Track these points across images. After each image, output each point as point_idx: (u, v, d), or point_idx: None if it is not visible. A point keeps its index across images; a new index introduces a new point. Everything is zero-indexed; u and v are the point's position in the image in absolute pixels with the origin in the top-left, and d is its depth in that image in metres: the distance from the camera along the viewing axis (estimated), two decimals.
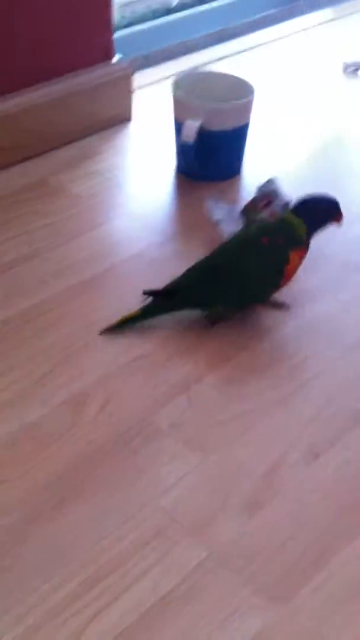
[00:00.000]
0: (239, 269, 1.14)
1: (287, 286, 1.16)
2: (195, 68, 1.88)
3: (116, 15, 1.74)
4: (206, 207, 1.35)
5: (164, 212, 1.43)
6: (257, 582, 0.85)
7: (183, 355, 1.13)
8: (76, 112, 1.56)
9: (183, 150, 1.45)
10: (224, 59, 1.98)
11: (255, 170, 1.54)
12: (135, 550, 0.87)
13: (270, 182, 1.31)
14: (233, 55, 2.01)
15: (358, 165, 1.60)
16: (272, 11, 2.17)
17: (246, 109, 1.47)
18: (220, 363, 1.12)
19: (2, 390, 1.06)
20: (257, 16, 2.14)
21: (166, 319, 1.17)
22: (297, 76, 1.93)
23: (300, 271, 1.16)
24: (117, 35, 1.69)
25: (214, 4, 2.09)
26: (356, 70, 1.98)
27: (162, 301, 1.16)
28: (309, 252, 1.15)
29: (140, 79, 1.80)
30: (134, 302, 1.16)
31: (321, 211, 1.15)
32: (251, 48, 2.05)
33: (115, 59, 1.62)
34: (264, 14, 2.16)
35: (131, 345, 1.13)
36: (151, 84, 1.83)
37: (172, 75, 1.74)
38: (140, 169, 1.56)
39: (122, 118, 1.67)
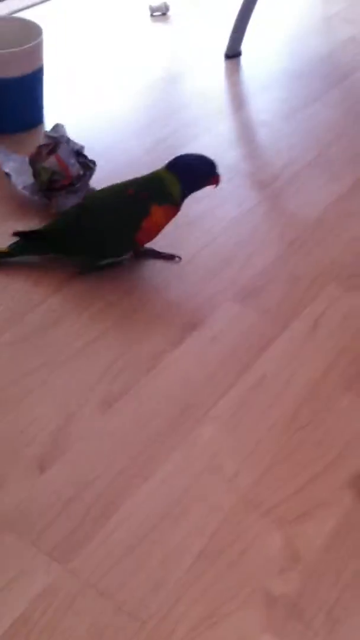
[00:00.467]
0: (96, 218, 1.10)
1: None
2: None
3: None
4: None
5: None
6: (42, 543, 0.80)
7: None
8: None
9: None
10: (32, 7, 1.89)
11: (62, 119, 1.47)
12: None
13: (56, 128, 1.24)
14: (40, 3, 1.92)
15: (166, 109, 1.56)
16: None
17: (34, 53, 1.38)
18: (16, 319, 1.06)
19: None
20: None
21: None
22: (105, 23, 1.87)
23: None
24: None
25: None
26: (162, 14, 1.93)
27: (30, 243, 1.13)
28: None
29: None
30: None
31: (197, 171, 1.10)
32: None
33: None
34: None
35: None
36: None
37: None
38: None
39: None
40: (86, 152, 1.26)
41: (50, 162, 1.17)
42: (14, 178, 1.24)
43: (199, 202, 1.21)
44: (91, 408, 0.94)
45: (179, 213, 1.12)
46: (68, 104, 1.54)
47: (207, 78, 1.68)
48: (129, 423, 0.93)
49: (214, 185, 1.12)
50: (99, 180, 1.25)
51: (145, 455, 0.89)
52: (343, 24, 1.91)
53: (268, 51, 1.78)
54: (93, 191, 1.20)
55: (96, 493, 0.85)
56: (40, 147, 1.20)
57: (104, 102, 1.57)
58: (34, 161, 1.20)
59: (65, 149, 1.19)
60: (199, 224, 1.24)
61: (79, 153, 1.22)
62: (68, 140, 1.22)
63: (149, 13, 1.93)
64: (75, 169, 1.18)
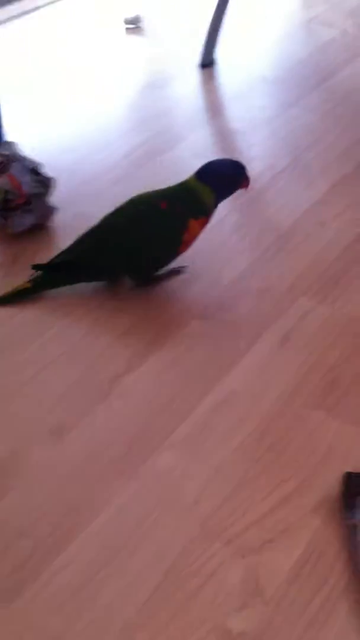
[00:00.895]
0: (133, 235, 1.04)
1: None
2: None
3: None
4: None
5: None
6: None
7: None
8: None
9: None
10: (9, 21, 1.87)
11: (28, 138, 1.44)
12: None
13: (6, 146, 1.19)
14: (18, 17, 1.90)
15: (140, 119, 1.52)
16: None
17: None
18: None
19: None
20: None
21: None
22: (80, 36, 1.85)
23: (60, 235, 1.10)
24: None
25: None
26: (136, 26, 1.90)
27: (57, 274, 1.07)
28: None
29: None
30: None
31: (229, 177, 1.06)
32: (31, 10, 1.94)
33: None
34: None
35: None
36: None
37: None
38: None
39: None
40: (60, 166, 1.22)
41: (2, 181, 1.13)
42: None
43: None
44: (42, 439, 0.89)
45: None
46: (41, 118, 1.50)
47: (182, 88, 1.64)
48: (82, 453, 0.88)
49: (245, 189, 1.09)
50: (74, 190, 1.21)
51: (99, 486, 0.84)
52: (322, 28, 1.87)
53: (245, 58, 1.74)
54: (52, 210, 1.15)
55: (45, 528, 0.80)
56: None
57: (80, 115, 1.53)
58: None
59: (18, 167, 1.14)
60: None
61: (34, 171, 1.18)
62: (23, 158, 1.18)
63: (123, 26, 1.90)
64: (29, 187, 1.14)
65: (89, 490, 0.84)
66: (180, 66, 1.71)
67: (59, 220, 1.23)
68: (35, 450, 0.88)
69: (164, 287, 1.10)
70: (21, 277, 1.09)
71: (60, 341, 1.02)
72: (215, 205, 1.06)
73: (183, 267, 1.11)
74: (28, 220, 1.13)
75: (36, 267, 1.07)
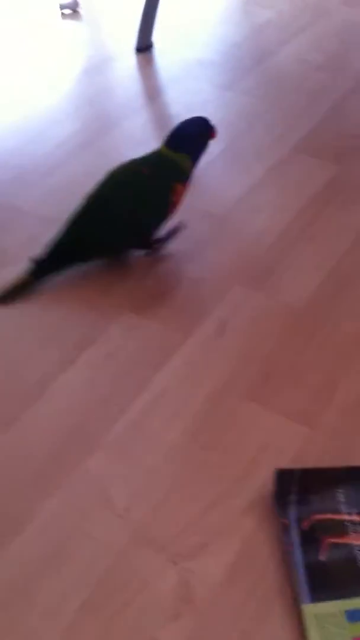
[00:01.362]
0: (129, 204, 1.04)
1: None
2: None
3: None
4: None
5: None
6: None
7: None
8: None
9: None
10: None
11: None
12: None
13: None
14: None
15: (75, 105, 1.48)
16: None
17: None
18: None
19: None
20: None
21: None
22: (14, 22, 1.79)
23: None
24: None
25: None
26: (73, 11, 1.85)
27: (56, 259, 1.05)
28: None
29: None
30: None
31: (199, 138, 1.07)
32: None
33: None
34: None
35: None
36: None
37: None
38: None
39: None
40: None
41: None
42: None
43: None
44: None
45: None
46: None
47: (118, 73, 1.60)
48: (7, 461, 0.84)
49: (214, 137, 1.09)
50: (6, 183, 1.17)
51: (24, 497, 0.80)
52: (259, 9, 1.83)
53: (182, 41, 1.70)
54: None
55: None
56: None
57: (11, 104, 1.48)
58: None
59: None
60: None
61: None
62: None
63: (59, 11, 1.85)
64: None
65: (13, 502, 0.80)
66: (117, 51, 1.67)
67: None
68: None
69: (91, 281, 1.06)
70: None
71: None
72: (193, 168, 1.07)
73: (179, 224, 1.11)
74: None
75: (36, 259, 1.04)
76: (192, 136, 1.07)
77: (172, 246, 1.12)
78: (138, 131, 1.40)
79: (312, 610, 0.69)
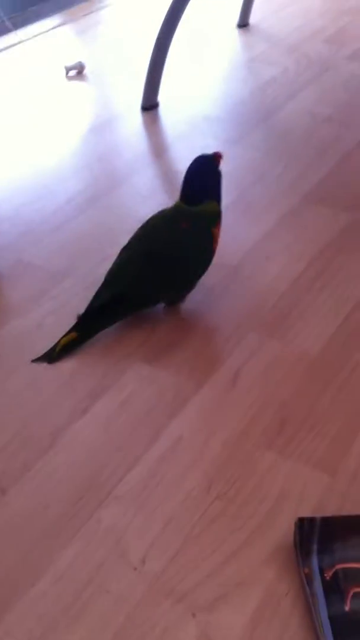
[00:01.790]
0: (175, 257, 1.05)
1: None
2: None
3: None
4: None
5: None
6: None
7: None
8: None
9: None
10: None
11: None
12: None
13: None
14: None
15: (82, 162, 1.49)
16: None
17: None
18: None
19: None
20: None
21: None
22: (21, 84, 1.83)
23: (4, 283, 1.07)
24: None
25: None
26: (78, 73, 1.89)
27: (104, 314, 1.04)
28: None
29: None
30: None
31: (211, 179, 1.07)
32: None
33: None
34: None
35: None
36: None
37: None
38: None
39: None
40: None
41: None
42: None
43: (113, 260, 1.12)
44: None
45: None
46: None
47: (124, 131, 1.62)
48: (21, 513, 0.82)
49: (221, 159, 1.09)
50: (14, 238, 1.17)
51: (38, 549, 0.78)
52: (263, 66, 1.86)
53: (187, 99, 1.73)
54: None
55: None
56: None
57: (20, 162, 1.50)
58: None
59: None
60: None
61: None
62: None
63: (64, 73, 1.89)
64: None
65: (28, 554, 0.78)
66: (123, 110, 1.70)
67: (1, 267, 1.19)
68: None
69: (107, 330, 1.05)
70: None
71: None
72: (220, 205, 1.08)
73: None
74: None
75: (85, 314, 1.04)
76: (207, 182, 1.07)
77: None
78: (145, 187, 1.41)
79: None
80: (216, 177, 1.07)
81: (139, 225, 1.10)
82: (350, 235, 1.24)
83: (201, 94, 1.76)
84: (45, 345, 1.04)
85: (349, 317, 1.07)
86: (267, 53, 1.93)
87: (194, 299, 1.11)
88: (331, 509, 0.80)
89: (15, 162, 1.51)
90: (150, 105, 1.69)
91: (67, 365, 1.01)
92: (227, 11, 2.15)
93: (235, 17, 2.08)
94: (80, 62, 1.88)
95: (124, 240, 1.09)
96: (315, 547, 0.74)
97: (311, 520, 0.76)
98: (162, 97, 1.70)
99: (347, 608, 0.70)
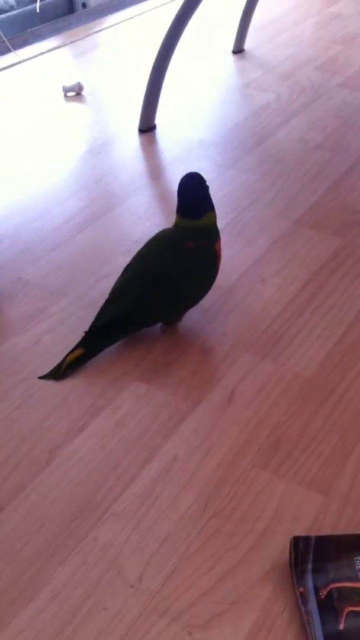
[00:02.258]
0: (183, 279, 1.06)
1: None
2: None
3: None
4: None
5: None
6: None
7: None
8: None
9: None
10: None
11: None
12: None
13: None
14: None
15: (79, 184, 1.51)
16: None
17: None
18: None
19: None
20: None
21: None
22: (19, 105, 1.84)
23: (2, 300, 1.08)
24: None
25: None
26: (77, 94, 1.91)
27: (111, 331, 1.05)
28: None
29: None
30: None
31: (204, 191, 1.08)
32: None
33: None
34: None
35: None
36: None
37: None
38: None
39: None
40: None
41: None
42: None
43: (110, 279, 1.14)
44: None
45: None
46: None
47: (121, 153, 1.64)
48: (16, 531, 0.82)
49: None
50: (13, 257, 1.18)
51: (35, 566, 0.79)
52: (257, 92, 1.89)
53: (183, 123, 1.75)
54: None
55: None
56: None
57: (19, 183, 1.52)
58: None
59: None
60: None
61: None
62: None
63: (62, 94, 1.91)
64: None
65: (24, 572, 0.78)
66: (120, 132, 1.72)
67: None
68: None
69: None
70: None
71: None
72: (215, 215, 1.10)
73: None
74: None
75: (91, 330, 1.05)
76: (204, 194, 1.08)
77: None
78: (142, 208, 1.43)
79: None
80: (207, 189, 1.09)
81: (136, 245, 1.11)
82: (342, 259, 1.26)
83: (196, 118, 1.78)
84: (41, 362, 1.05)
85: (342, 338, 1.08)
86: (261, 79, 1.96)
87: (190, 318, 1.12)
88: (325, 529, 0.81)
89: (15, 182, 1.52)
90: (147, 127, 1.71)
91: (63, 384, 1.02)
92: (223, 37, 2.19)
93: (231, 43, 2.12)
94: (78, 83, 1.91)
95: (121, 260, 1.11)
96: (310, 566, 0.75)
97: (306, 539, 0.77)
98: (158, 120, 1.73)
99: (341, 627, 0.71)
